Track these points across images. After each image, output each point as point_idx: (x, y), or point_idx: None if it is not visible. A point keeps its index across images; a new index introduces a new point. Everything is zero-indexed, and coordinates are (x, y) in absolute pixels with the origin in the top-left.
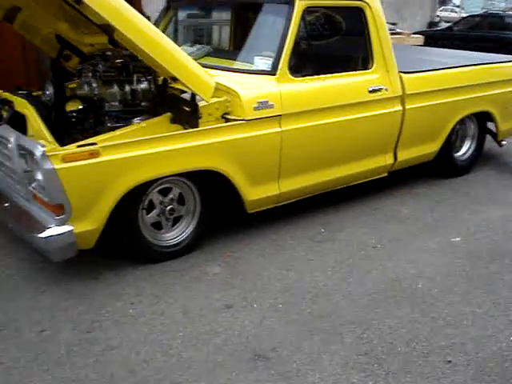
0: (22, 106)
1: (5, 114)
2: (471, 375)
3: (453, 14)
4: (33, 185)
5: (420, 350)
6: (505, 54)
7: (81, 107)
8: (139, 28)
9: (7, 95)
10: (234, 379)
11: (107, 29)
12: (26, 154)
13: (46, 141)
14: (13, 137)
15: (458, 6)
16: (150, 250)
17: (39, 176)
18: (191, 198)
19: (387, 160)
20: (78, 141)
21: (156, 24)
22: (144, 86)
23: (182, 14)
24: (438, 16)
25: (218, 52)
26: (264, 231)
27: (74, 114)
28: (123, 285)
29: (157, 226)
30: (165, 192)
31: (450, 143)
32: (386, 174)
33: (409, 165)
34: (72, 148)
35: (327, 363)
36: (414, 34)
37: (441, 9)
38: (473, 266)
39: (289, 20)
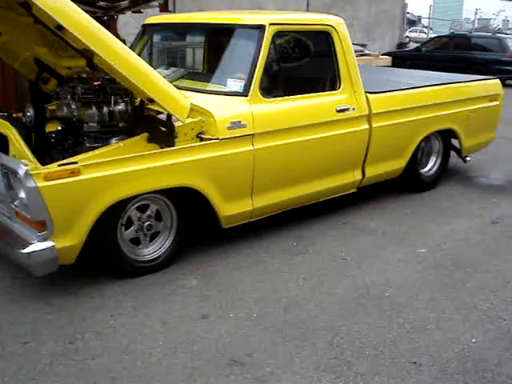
0: (4, 127)
1: None
2: (435, 375)
3: (422, 35)
4: (15, 203)
5: (387, 353)
6: (471, 73)
7: (60, 128)
8: (118, 52)
9: None
10: (212, 383)
11: (87, 53)
12: (9, 172)
13: (28, 160)
14: None
15: (426, 27)
16: (128, 264)
17: (22, 194)
18: (168, 215)
19: (356, 176)
20: (57, 160)
21: (132, 47)
22: (121, 107)
23: (156, 38)
24: (407, 37)
25: (192, 74)
26: (239, 245)
27: (54, 135)
28: (103, 298)
29: (135, 241)
30: (143, 208)
31: (416, 159)
32: (354, 190)
33: (377, 180)
34: (53, 167)
35: (300, 367)
36: (383, 55)
37: (410, 29)
38: (438, 275)
39: (259, 44)
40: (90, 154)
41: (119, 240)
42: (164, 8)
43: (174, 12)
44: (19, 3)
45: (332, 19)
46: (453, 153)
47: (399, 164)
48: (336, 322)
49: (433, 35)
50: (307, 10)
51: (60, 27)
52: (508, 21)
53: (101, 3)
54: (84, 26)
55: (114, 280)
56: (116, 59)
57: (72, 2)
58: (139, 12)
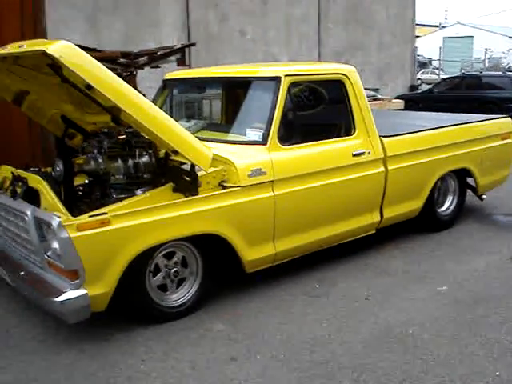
0: (36, 181)
1: (19, 190)
2: None
3: (433, 76)
4: (48, 253)
5: None
6: (483, 112)
7: (87, 181)
8: (143, 108)
9: (20, 172)
10: None
11: (113, 110)
12: (42, 224)
13: (61, 212)
14: (29, 210)
15: (437, 68)
16: (156, 310)
17: (55, 245)
18: (194, 261)
19: (374, 218)
20: (86, 212)
21: (154, 101)
22: (145, 159)
23: (176, 92)
24: (419, 79)
25: (211, 125)
26: (262, 289)
27: (81, 188)
28: (133, 344)
29: (162, 287)
30: (169, 256)
31: (433, 199)
32: (374, 231)
33: (395, 222)
34: (85, 218)
35: None
36: (396, 98)
37: (421, 72)
38: (459, 312)
39: (276, 94)
40: (119, 204)
41: (147, 287)
42: (182, 62)
43: (190, 65)
44: (47, 64)
45: (344, 68)
46: (469, 191)
47: (416, 204)
48: (361, 360)
49: (444, 76)
50: (319, 58)
51: (89, 87)
52: None
53: (121, 60)
54: (111, 85)
55: (143, 325)
56: (142, 115)
57: (99, 63)
58: (157, 67)
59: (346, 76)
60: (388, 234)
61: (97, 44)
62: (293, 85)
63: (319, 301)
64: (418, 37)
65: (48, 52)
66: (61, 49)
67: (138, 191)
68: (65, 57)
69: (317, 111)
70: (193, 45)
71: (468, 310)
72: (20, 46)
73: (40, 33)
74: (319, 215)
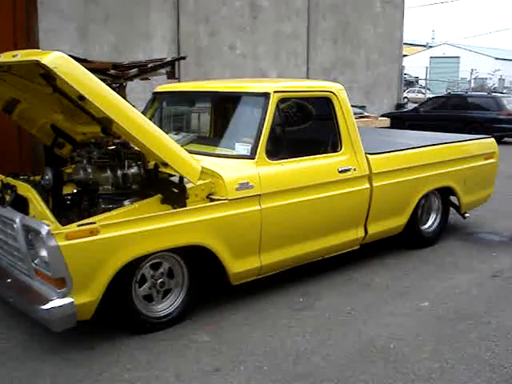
0: (25, 189)
1: (8, 198)
2: None
3: (419, 95)
4: (35, 261)
5: None
6: (468, 132)
7: (75, 190)
8: (135, 120)
9: (10, 180)
10: None
11: (105, 121)
12: (31, 232)
13: (49, 221)
14: (18, 217)
15: (423, 87)
16: (142, 320)
17: (43, 253)
18: (180, 272)
19: (358, 234)
20: (74, 221)
21: (143, 113)
22: (134, 170)
23: (166, 105)
24: (405, 97)
25: (200, 139)
26: (247, 301)
27: (70, 197)
28: (118, 353)
29: (148, 298)
30: (156, 266)
31: (417, 217)
32: (358, 247)
33: (379, 238)
34: (73, 227)
35: None
36: (382, 116)
37: (408, 90)
38: (440, 327)
39: (265, 110)
40: (108, 214)
41: (133, 297)
42: (171, 75)
43: (180, 78)
44: (39, 74)
45: (332, 85)
46: (452, 209)
47: (400, 221)
48: (343, 373)
49: (430, 95)
50: (307, 75)
51: (82, 97)
52: (503, 79)
53: (111, 71)
54: (104, 97)
55: (129, 335)
56: (133, 127)
57: (91, 74)
58: (147, 79)
59: (334, 94)
60: (372, 250)
61: (87, 55)
62: (281, 101)
63: (303, 314)
64: (405, 56)
65: (42, 62)
66: (55, 59)
67: (126, 202)
68: (59, 67)
69: (304, 127)
70: (183, 58)
71: (449, 325)
72: (14, 56)
73: (32, 43)
74: (305, 229)
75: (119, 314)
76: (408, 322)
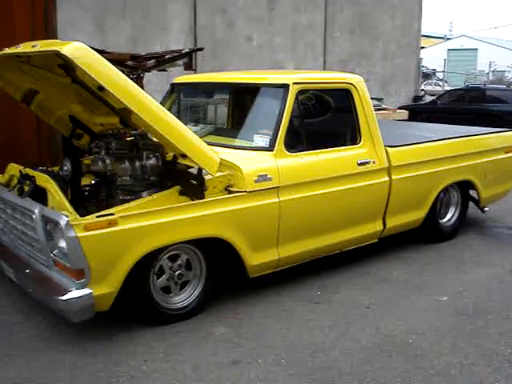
0: (44, 180)
1: (26, 188)
2: None
3: (437, 88)
4: (54, 252)
5: None
6: (487, 125)
7: (94, 182)
8: (154, 112)
9: (28, 171)
10: None
11: (124, 112)
12: (50, 223)
13: (68, 212)
14: (37, 208)
15: (441, 80)
16: (159, 312)
17: (62, 243)
18: (198, 264)
19: (377, 227)
20: (92, 212)
21: (161, 104)
22: (152, 161)
23: (184, 96)
24: (422, 90)
25: (218, 130)
26: (265, 294)
27: (88, 188)
28: (136, 344)
29: (166, 289)
30: (174, 258)
31: (435, 210)
32: (376, 240)
33: (397, 231)
34: (92, 218)
35: None
36: (399, 108)
37: (425, 83)
38: (459, 322)
39: (284, 102)
40: (126, 205)
41: (151, 288)
42: (188, 66)
43: (196, 70)
44: (58, 64)
45: (352, 77)
46: (471, 203)
47: (419, 215)
48: (362, 367)
49: (448, 88)
50: (324, 66)
51: (101, 88)
52: None
53: (129, 63)
54: (124, 87)
55: (146, 327)
56: (153, 118)
57: (111, 65)
58: (164, 70)
59: (354, 85)
60: (389, 244)
61: (103, 46)
62: (300, 92)
63: (321, 307)
64: (422, 48)
65: (62, 53)
66: (75, 50)
67: (144, 193)
68: (79, 58)
69: (323, 119)
70: (200, 49)
71: (468, 321)
72: (33, 46)
73: (51, 33)
74: (323, 222)
75: (137, 305)
76: (427, 316)
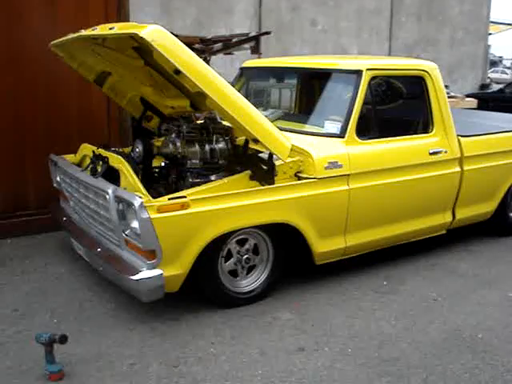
0: (117, 161)
1: (99, 169)
2: None
3: (503, 76)
4: (126, 232)
5: None
6: None
7: (163, 164)
8: (228, 96)
9: (102, 151)
10: None
11: (198, 95)
12: (123, 203)
13: (141, 193)
14: (110, 189)
15: (508, 68)
16: (226, 295)
17: (135, 224)
18: (265, 249)
19: (446, 218)
20: (162, 194)
21: None
22: (222, 145)
23: (253, 80)
24: (488, 77)
25: (288, 116)
26: (330, 282)
27: (158, 170)
28: (203, 326)
29: (233, 273)
30: (242, 242)
31: (506, 203)
32: (444, 232)
33: (466, 223)
34: (165, 200)
35: None
36: (467, 96)
37: (491, 70)
38: None
39: (357, 88)
40: (198, 188)
41: (219, 271)
42: (255, 50)
43: (262, 53)
44: (132, 47)
45: (426, 64)
46: None
47: (489, 207)
48: (430, 360)
49: None
50: (389, 52)
51: (177, 72)
52: None
53: (197, 46)
54: (200, 71)
55: (211, 309)
56: (227, 102)
57: (188, 48)
58: (230, 54)
59: (428, 73)
60: (456, 236)
61: (169, 29)
62: (373, 79)
63: (387, 298)
64: (489, 34)
65: (141, 35)
66: (153, 33)
67: (213, 177)
68: (157, 41)
69: (395, 106)
70: (268, 33)
71: None
72: (110, 28)
73: (123, 15)
74: (392, 212)
75: (204, 287)
76: (496, 312)
